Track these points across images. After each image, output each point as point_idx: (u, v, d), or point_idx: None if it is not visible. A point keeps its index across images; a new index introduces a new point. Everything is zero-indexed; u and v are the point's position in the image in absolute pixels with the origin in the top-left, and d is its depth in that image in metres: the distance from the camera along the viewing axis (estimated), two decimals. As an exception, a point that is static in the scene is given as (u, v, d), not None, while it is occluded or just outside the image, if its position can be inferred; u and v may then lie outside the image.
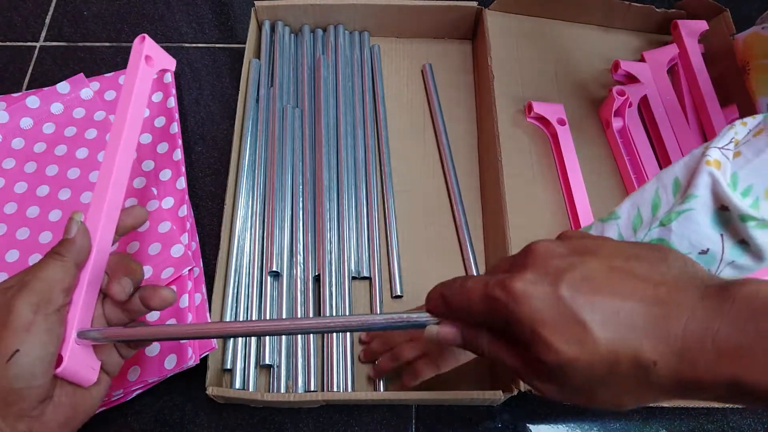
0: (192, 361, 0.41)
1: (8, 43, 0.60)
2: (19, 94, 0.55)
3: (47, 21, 0.62)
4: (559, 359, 0.22)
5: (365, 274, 0.48)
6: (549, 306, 0.22)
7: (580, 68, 0.58)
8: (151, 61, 0.48)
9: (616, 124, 0.53)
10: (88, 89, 0.55)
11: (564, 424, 0.44)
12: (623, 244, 0.24)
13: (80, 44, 0.60)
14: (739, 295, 0.21)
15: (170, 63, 0.55)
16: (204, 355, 0.42)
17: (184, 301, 0.44)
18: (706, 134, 0.54)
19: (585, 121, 0.55)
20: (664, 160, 0.52)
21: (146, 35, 0.47)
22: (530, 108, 0.54)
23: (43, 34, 0.61)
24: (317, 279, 0.48)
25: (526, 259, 0.24)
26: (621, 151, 0.53)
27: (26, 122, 0.53)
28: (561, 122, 0.53)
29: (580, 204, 0.50)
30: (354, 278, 0.48)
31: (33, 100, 0.54)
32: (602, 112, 0.55)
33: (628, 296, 0.21)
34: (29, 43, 0.60)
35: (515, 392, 0.41)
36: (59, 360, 0.29)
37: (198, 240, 0.49)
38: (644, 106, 0.55)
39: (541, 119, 0.54)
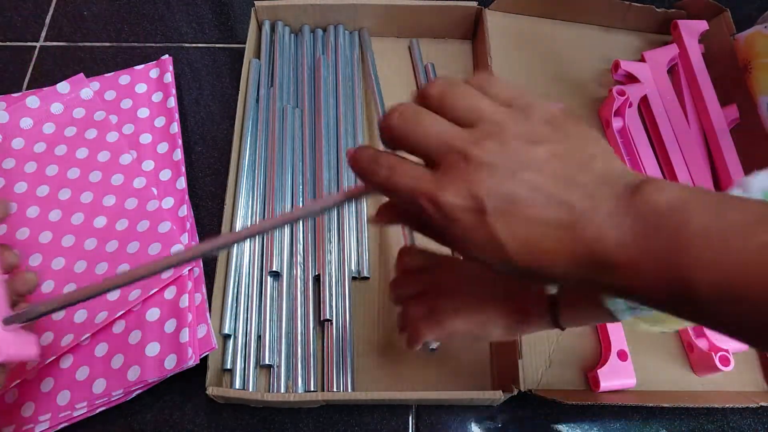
0: (192, 361, 0.41)
1: (8, 43, 0.60)
2: (19, 94, 0.55)
3: (47, 21, 0.62)
4: (484, 260, 0.24)
5: (365, 274, 0.48)
6: (472, 225, 0.23)
7: (580, 68, 0.58)
8: None
9: (616, 124, 0.53)
10: (88, 89, 0.55)
11: (564, 424, 0.44)
12: (550, 150, 0.24)
13: (80, 44, 0.60)
14: (645, 199, 0.22)
15: None
16: (204, 355, 0.42)
17: (184, 301, 0.44)
18: (706, 134, 0.54)
19: (585, 121, 0.54)
20: (664, 160, 0.52)
21: None
22: (530, 108, 0.54)
23: (43, 34, 0.61)
24: (317, 279, 0.48)
25: (457, 164, 0.24)
26: (621, 151, 0.53)
27: (26, 122, 0.53)
28: (561, 122, 0.53)
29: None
30: (354, 278, 0.48)
31: (33, 100, 0.54)
32: (602, 112, 0.55)
33: (544, 215, 0.22)
34: (29, 43, 0.60)
35: (515, 392, 0.41)
36: None
37: (198, 240, 0.49)
38: (644, 106, 0.55)
39: (541, 119, 0.54)
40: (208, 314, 0.44)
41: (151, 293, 0.44)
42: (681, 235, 0.21)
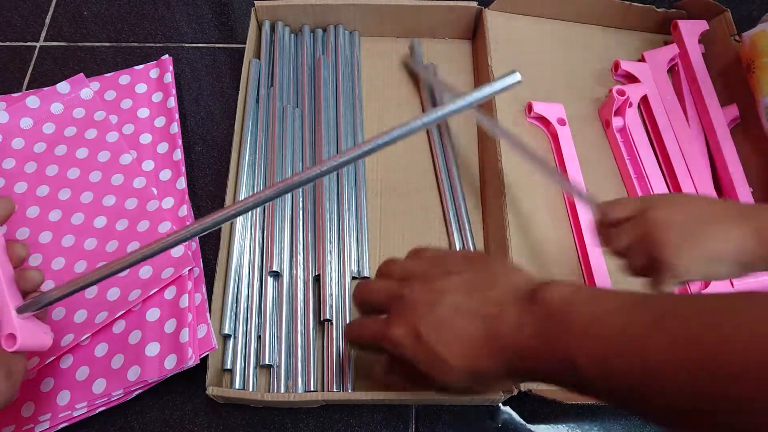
0: (192, 361, 0.41)
1: (8, 43, 0.60)
2: (19, 94, 0.55)
3: (47, 21, 0.62)
4: (437, 383, 0.31)
5: (365, 273, 0.48)
6: (419, 351, 0.30)
7: (580, 68, 0.58)
8: None
9: (617, 123, 0.53)
10: (88, 89, 0.55)
11: (564, 424, 0.44)
12: (463, 277, 0.31)
13: (80, 44, 0.60)
14: (540, 298, 0.28)
15: None
16: (204, 355, 0.42)
17: (184, 301, 0.44)
18: (707, 134, 0.54)
19: (585, 121, 0.55)
20: (664, 160, 0.52)
21: None
22: (530, 108, 0.54)
23: (43, 34, 0.61)
24: (317, 279, 0.47)
25: (398, 308, 0.32)
26: (621, 151, 0.53)
27: (26, 122, 0.53)
28: (561, 122, 0.53)
29: (580, 204, 0.50)
30: (354, 278, 0.48)
31: (33, 100, 0.54)
32: (602, 112, 0.55)
33: (467, 328, 0.29)
34: (29, 43, 0.60)
35: (515, 392, 0.41)
36: (13, 338, 0.32)
37: (198, 240, 0.49)
38: (644, 105, 0.55)
39: (542, 119, 0.54)
40: (208, 314, 0.44)
41: (151, 293, 0.44)
42: (567, 324, 0.26)
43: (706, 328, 0.22)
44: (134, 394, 0.42)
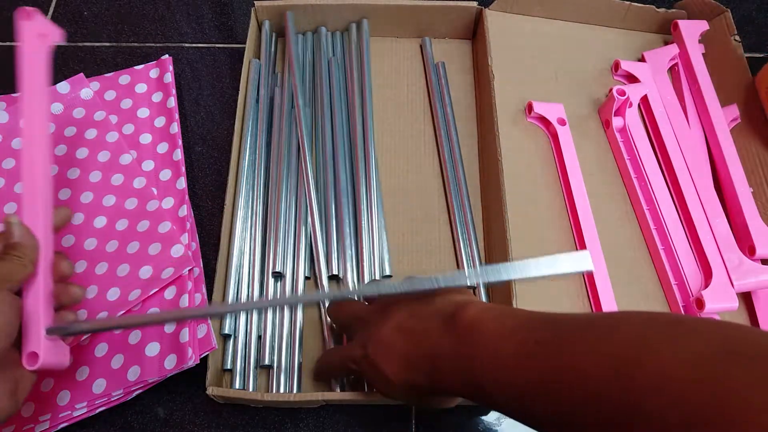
0: (192, 361, 0.41)
1: (8, 43, 0.60)
2: (19, 94, 0.55)
3: (47, 21, 0.61)
4: (385, 393, 0.35)
5: (387, 272, 0.48)
6: (366, 368, 0.34)
7: (580, 68, 0.58)
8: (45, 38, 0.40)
9: (617, 123, 0.53)
10: (88, 89, 0.55)
11: (564, 424, 0.44)
12: (413, 301, 0.34)
13: (80, 44, 0.60)
14: (458, 319, 0.30)
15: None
16: (204, 355, 0.42)
17: (184, 301, 0.44)
18: (707, 134, 0.54)
19: (585, 121, 0.55)
20: (664, 160, 0.52)
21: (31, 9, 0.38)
22: (530, 108, 0.54)
23: (43, 33, 0.61)
24: (334, 279, 0.48)
25: (358, 329, 0.37)
26: (621, 151, 0.52)
27: (26, 122, 0.53)
28: (561, 122, 0.53)
29: (580, 203, 0.49)
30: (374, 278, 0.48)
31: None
32: (602, 112, 0.55)
33: (403, 346, 0.32)
34: (29, 43, 0.60)
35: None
36: (35, 357, 0.32)
37: (198, 240, 0.49)
38: (645, 105, 0.55)
39: (542, 119, 0.54)
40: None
41: (151, 293, 0.44)
42: (474, 342, 0.29)
43: (566, 355, 0.25)
44: (134, 394, 0.41)
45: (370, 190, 0.50)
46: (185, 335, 0.41)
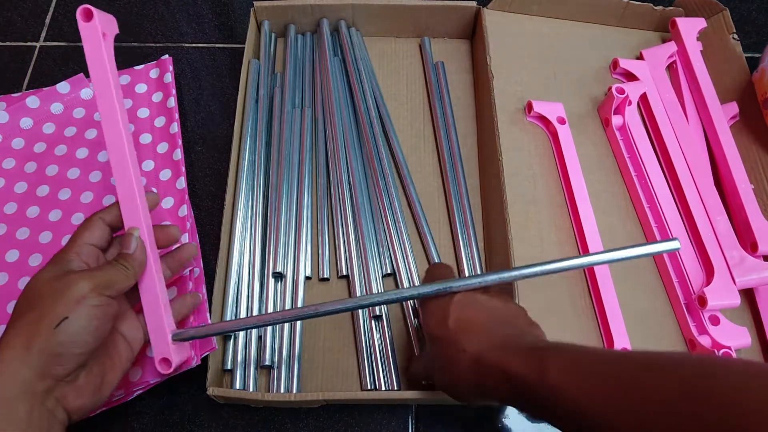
0: (194, 362, 0.40)
1: (8, 43, 0.59)
2: (19, 94, 0.54)
3: (47, 21, 0.61)
4: (451, 395, 0.34)
5: (388, 271, 0.47)
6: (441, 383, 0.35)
7: (579, 67, 0.57)
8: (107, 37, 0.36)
9: (616, 122, 0.52)
10: (88, 89, 0.54)
11: (565, 423, 0.43)
12: (499, 304, 0.35)
13: (80, 44, 0.58)
14: (543, 376, 0.28)
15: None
16: (204, 355, 0.41)
17: None
18: (706, 131, 0.53)
19: (585, 119, 0.54)
20: (664, 158, 0.51)
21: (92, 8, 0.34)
22: (530, 107, 0.53)
23: (43, 34, 0.60)
24: (323, 280, 0.47)
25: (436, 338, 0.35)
26: (621, 149, 0.51)
27: (26, 122, 0.52)
28: (561, 121, 0.52)
29: (581, 202, 0.48)
30: (386, 275, 0.47)
31: (33, 100, 0.52)
32: (602, 111, 0.54)
33: (486, 336, 0.32)
34: (29, 43, 0.59)
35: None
36: (168, 362, 0.35)
37: (198, 240, 0.48)
38: (644, 103, 0.54)
39: (541, 118, 0.53)
40: (208, 314, 0.43)
41: None
42: (559, 398, 0.28)
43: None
44: (135, 395, 0.40)
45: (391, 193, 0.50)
46: None
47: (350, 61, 0.56)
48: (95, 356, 0.33)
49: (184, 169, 0.50)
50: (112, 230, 0.36)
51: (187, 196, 0.48)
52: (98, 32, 0.34)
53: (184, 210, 0.48)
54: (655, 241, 0.39)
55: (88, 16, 0.34)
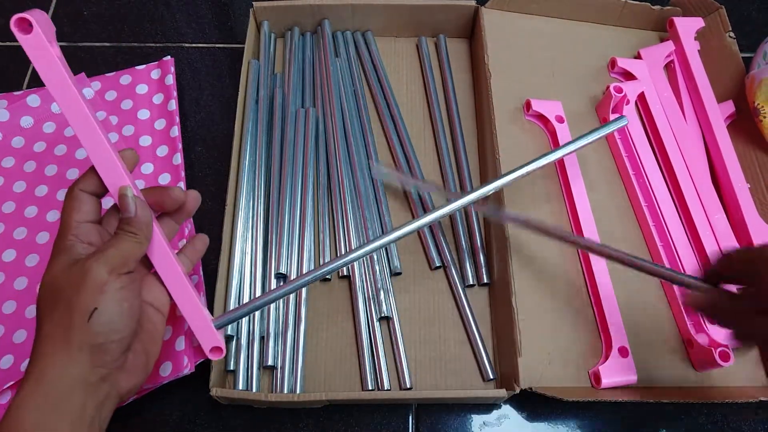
0: (187, 369, 0.38)
1: (8, 43, 0.57)
2: (21, 92, 0.52)
3: (47, 21, 0.58)
4: None
5: (399, 270, 0.46)
6: None
7: (577, 66, 0.54)
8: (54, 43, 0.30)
9: (614, 121, 0.50)
10: (89, 89, 0.52)
11: (564, 422, 0.41)
12: None
13: (80, 44, 0.57)
14: None
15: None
16: (200, 362, 0.39)
17: None
18: (703, 130, 0.50)
19: (583, 118, 0.52)
20: (662, 156, 0.49)
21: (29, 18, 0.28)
22: (529, 106, 0.50)
23: (43, 34, 0.57)
24: (324, 281, 0.45)
25: None
26: (619, 148, 0.49)
27: (26, 121, 0.50)
28: (559, 120, 0.50)
29: (579, 201, 0.46)
30: (395, 274, 0.46)
31: (34, 99, 0.50)
32: (600, 110, 0.52)
33: None
34: (29, 44, 0.56)
35: (517, 390, 0.38)
36: (219, 350, 0.33)
37: None
38: (641, 102, 0.52)
39: (540, 117, 0.51)
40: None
41: None
42: None
43: None
44: (129, 400, 0.38)
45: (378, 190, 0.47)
46: (181, 343, 0.39)
47: (365, 61, 0.54)
48: (136, 334, 0.31)
49: (183, 173, 0.48)
50: (98, 198, 0.32)
51: None
52: (44, 41, 0.28)
53: None
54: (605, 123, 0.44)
55: (27, 27, 0.27)
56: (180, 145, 0.49)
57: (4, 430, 0.26)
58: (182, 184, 0.47)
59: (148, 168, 0.48)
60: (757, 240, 0.44)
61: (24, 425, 0.26)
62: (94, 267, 0.28)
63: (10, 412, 0.26)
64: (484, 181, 0.49)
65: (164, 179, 0.47)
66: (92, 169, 0.31)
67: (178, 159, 0.48)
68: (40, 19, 0.28)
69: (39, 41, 0.28)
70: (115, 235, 0.30)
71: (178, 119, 0.50)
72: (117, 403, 0.30)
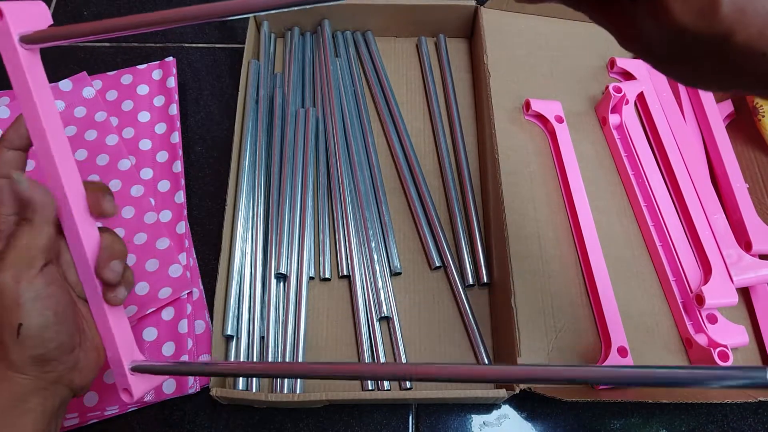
0: (193, 389, 0.37)
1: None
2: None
3: (47, 21, 0.56)
4: (672, 23, 0.19)
5: (398, 270, 0.44)
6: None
7: (576, 65, 0.52)
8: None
9: (614, 120, 0.48)
10: (91, 88, 0.50)
11: (563, 422, 0.40)
12: None
13: (80, 44, 0.55)
14: None
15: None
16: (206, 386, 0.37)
17: (183, 326, 0.39)
18: (702, 129, 0.49)
19: (582, 118, 0.50)
20: (661, 156, 0.47)
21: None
22: (528, 105, 0.49)
23: (44, 34, 0.55)
24: (324, 280, 0.44)
25: None
26: (618, 148, 0.48)
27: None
28: (559, 119, 0.48)
29: (579, 201, 0.45)
30: (396, 274, 0.44)
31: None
32: (599, 109, 0.50)
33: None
34: (30, 44, 0.54)
35: (517, 391, 0.36)
36: (129, 393, 0.29)
37: (195, 256, 0.44)
38: (641, 102, 0.50)
39: (539, 117, 0.49)
40: (207, 315, 0.39)
41: (147, 312, 0.39)
42: None
43: None
44: (129, 409, 0.37)
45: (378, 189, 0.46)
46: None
47: (365, 61, 0.52)
48: (81, 332, 0.28)
49: (183, 182, 0.46)
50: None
51: (185, 212, 0.45)
52: (10, 34, 0.25)
53: (182, 227, 0.44)
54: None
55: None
56: (180, 152, 0.47)
57: None
58: (182, 193, 0.45)
59: (147, 173, 0.46)
60: (756, 240, 0.43)
61: None
62: (3, 281, 0.25)
63: None
64: (484, 180, 0.47)
65: (164, 186, 0.45)
66: (19, 118, 0.27)
67: (178, 167, 0.46)
68: (24, 11, 0.25)
69: (4, 30, 0.25)
70: (11, 228, 0.26)
71: (179, 124, 0.48)
72: (71, 397, 0.29)
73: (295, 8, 0.21)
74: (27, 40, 0.25)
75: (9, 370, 0.26)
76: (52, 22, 0.26)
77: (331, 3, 0.26)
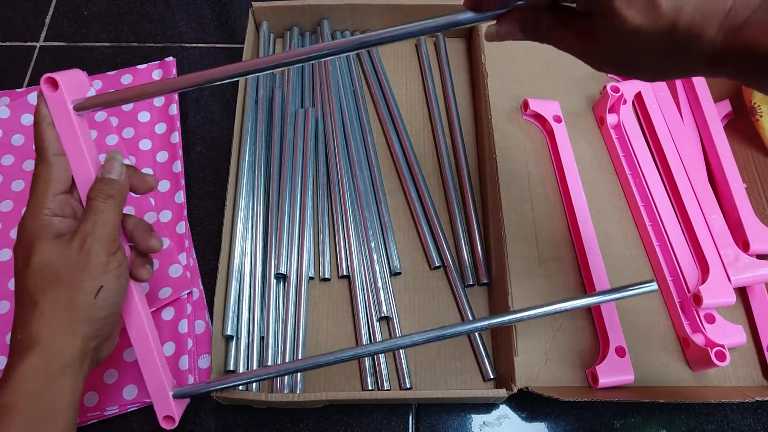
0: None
1: (8, 43, 0.53)
2: (23, 89, 0.48)
3: (47, 21, 0.54)
4: (625, 27, 0.21)
5: (398, 270, 0.43)
6: None
7: (574, 65, 0.50)
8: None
9: (611, 120, 0.47)
10: (91, 88, 0.48)
11: (562, 421, 0.38)
12: None
13: (80, 44, 0.53)
14: None
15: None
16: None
17: (183, 326, 0.38)
18: (700, 130, 0.47)
19: (580, 117, 0.49)
20: (659, 156, 0.46)
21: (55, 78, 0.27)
22: (526, 105, 0.47)
23: (43, 34, 0.54)
24: (324, 280, 0.42)
25: None
26: (616, 147, 0.46)
27: (27, 119, 0.47)
28: (557, 119, 0.47)
29: (577, 200, 0.44)
30: (396, 274, 0.43)
31: (35, 97, 0.47)
32: (597, 109, 0.49)
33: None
34: (29, 43, 0.53)
35: (515, 390, 0.35)
36: (171, 420, 0.31)
37: (195, 256, 0.43)
38: (639, 102, 0.49)
39: (537, 116, 0.48)
40: (207, 314, 0.38)
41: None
42: None
43: None
44: (129, 409, 0.35)
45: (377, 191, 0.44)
46: (185, 363, 0.36)
47: (364, 61, 0.51)
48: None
49: (183, 182, 0.44)
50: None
51: (185, 212, 0.43)
52: (65, 103, 0.27)
53: (182, 227, 0.42)
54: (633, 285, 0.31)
55: (54, 85, 0.27)
56: (180, 152, 0.45)
57: (6, 398, 0.25)
58: (182, 193, 0.43)
59: (147, 173, 0.44)
60: (754, 240, 0.42)
61: (26, 394, 0.25)
62: (94, 249, 0.27)
63: (11, 383, 0.26)
64: (483, 180, 0.46)
65: (164, 186, 0.44)
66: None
67: (178, 167, 0.45)
68: (72, 79, 0.27)
69: (60, 100, 0.27)
70: (93, 209, 0.28)
71: (179, 125, 0.47)
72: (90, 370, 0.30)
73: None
74: (79, 107, 0.27)
75: (69, 326, 0.27)
76: (91, 87, 0.30)
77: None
